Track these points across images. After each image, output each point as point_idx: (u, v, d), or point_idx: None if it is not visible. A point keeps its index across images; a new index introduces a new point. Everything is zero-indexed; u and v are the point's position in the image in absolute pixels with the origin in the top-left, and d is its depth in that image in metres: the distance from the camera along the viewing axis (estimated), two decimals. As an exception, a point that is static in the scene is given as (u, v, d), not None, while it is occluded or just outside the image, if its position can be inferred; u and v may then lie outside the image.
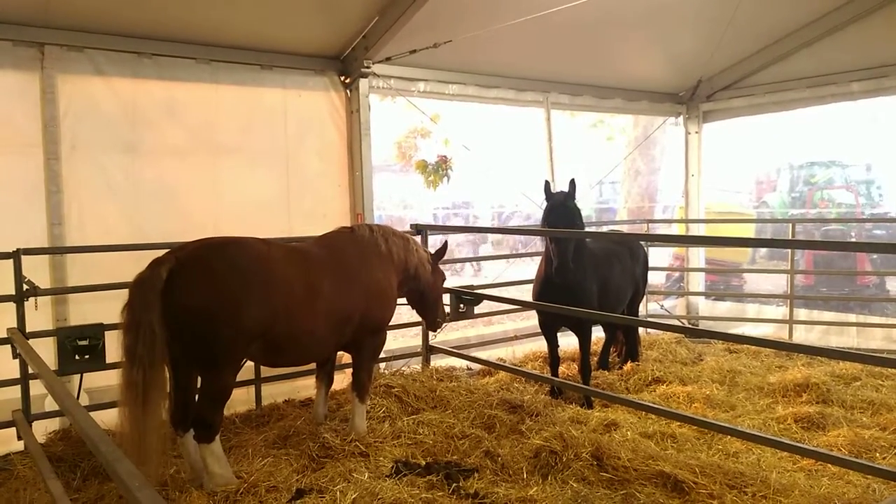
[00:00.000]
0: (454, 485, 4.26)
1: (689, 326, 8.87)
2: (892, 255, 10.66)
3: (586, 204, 11.80)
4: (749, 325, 9.30)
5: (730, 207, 16.64)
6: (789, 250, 8.82)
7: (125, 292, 4.93)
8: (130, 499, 1.78)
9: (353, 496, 3.91)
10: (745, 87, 9.60)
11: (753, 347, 8.03)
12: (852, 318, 9.46)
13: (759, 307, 10.36)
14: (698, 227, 10.59)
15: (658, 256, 11.13)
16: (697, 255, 10.58)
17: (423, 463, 4.63)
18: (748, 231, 15.37)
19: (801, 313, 9.05)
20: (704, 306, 10.50)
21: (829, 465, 4.56)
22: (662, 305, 10.22)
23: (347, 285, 4.83)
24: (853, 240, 14.32)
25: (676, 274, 11.67)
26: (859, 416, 5.70)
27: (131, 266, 4.34)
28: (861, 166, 19.01)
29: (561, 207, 5.90)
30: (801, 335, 8.75)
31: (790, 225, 8.88)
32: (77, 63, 5.77)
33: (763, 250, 17.15)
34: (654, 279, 11.14)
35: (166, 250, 4.26)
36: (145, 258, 4.23)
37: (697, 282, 10.65)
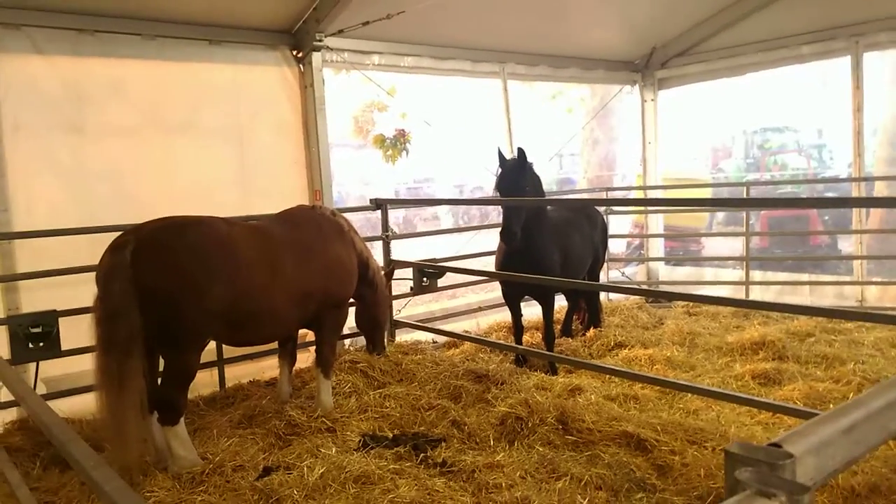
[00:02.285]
0: (422, 455, 4.29)
1: (649, 289, 9.03)
2: (843, 215, 11.00)
3: (547, 176, 11.83)
4: (707, 288, 9.52)
5: (687, 174, 16.91)
6: (744, 214, 9.02)
7: (77, 278, 4.83)
8: (87, 480, 1.73)
9: (321, 471, 3.90)
10: (699, 52, 9.71)
11: (712, 309, 8.25)
12: (805, 277, 9.76)
13: (716, 271, 10.61)
14: (656, 194, 10.76)
15: (618, 224, 11.27)
16: (656, 222, 10.76)
17: (391, 435, 4.65)
18: (705, 197, 15.66)
19: (757, 275, 9.29)
20: (664, 272, 10.72)
21: (785, 417, 4.72)
22: (623, 272, 10.39)
23: (308, 261, 4.78)
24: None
25: (636, 242, 11.85)
26: (813, 371, 5.90)
27: (83, 250, 4.24)
28: (812, 131, 19.48)
29: (510, 173, 5.91)
30: (758, 296, 8.99)
31: (745, 188, 9.06)
32: (15, 41, 5.52)
33: (720, 215, 17.52)
34: (615, 247, 11.31)
35: (119, 233, 4.15)
36: (98, 241, 4.12)
37: (657, 248, 10.85)
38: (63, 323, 4.92)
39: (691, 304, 8.52)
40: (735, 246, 11.85)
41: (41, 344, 4.69)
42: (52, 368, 5.20)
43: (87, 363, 4.95)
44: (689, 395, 5.19)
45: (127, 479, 3.89)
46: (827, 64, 9.10)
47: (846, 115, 8.57)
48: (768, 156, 18.64)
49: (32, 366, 5.03)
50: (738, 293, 9.04)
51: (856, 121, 8.41)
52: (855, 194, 8.55)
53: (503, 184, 5.90)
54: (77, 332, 4.93)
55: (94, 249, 4.12)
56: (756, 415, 4.88)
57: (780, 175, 17.59)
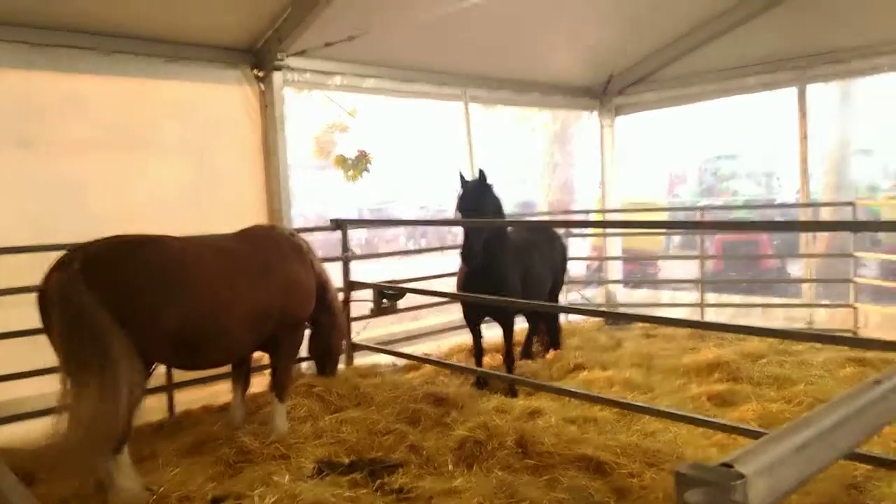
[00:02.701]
0: (378, 481, 4.20)
1: (608, 311, 9.12)
2: (791, 240, 11.34)
3: (509, 199, 11.91)
4: (664, 310, 9.67)
5: (644, 199, 17.26)
6: (698, 238, 9.21)
7: (22, 298, 4.62)
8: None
9: (273, 500, 3.78)
10: (654, 81, 9.98)
11: (669, 331, 8.36)
12: (757, 300, 9.99)
13: (672, 293, 10.79)
14: (613, 218, 10.93)
15: (577, 247, 11.41)
16: (614, 245, 10.92)
17: (347, 461, 4.54)
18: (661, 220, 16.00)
19: (711, 297, 9.48)
20: (622, 294, 10.86)
21: (740, 438, 4.75)
22: (582, 295, 10.48)
23: (265, 280, 4.69)
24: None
25: (595, 264, 12.01)
26: (766, 391, 5.99)
27: (31, 269, 4.05)
28: (762, 158, 20.12)
29: (470, 194, 5.93)
30: (712, 318, 9.17)
31: (699, 213, 9.27)
32: (-39, 53, 5.33)
33: (676, 239, 17.91)
34: (574, 270, 11.42)
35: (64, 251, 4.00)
36: (47, 259, 3.96)
37: (615, 271, 10.99)
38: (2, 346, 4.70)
39: (649, 326, 8.63)
40: (691, 269, 12.09)
41: (-21, 367, 4.45)
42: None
43: (16, 390, 4.77)
44: (647, 416, 5.22)
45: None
46: (775, 94, 9.42)
47: (793, 144, 8.88)
48: (721, 182, 19.20)
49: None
50: (694, 315, 9.21)
51: (802, 149, 8.72)
52: (802, 219, 8.83)
53: (464, 204, 5.91)
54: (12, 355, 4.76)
55: (41, 269, 3.95)
56: (712, 436, 4.93)
57: (733, 200, 18.11)
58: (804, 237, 9.15)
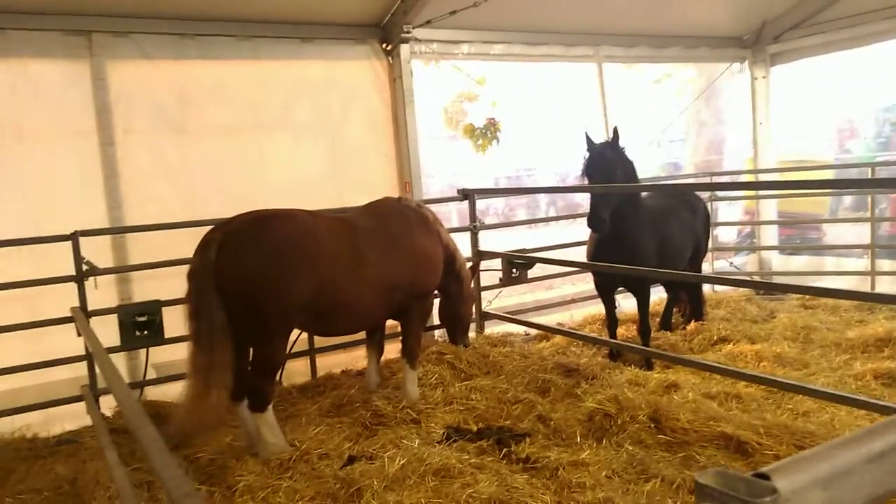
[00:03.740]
0: (505, 450, 4.20)
1: (752, 280, 8.40)
2: None
3: (652, 162, 11.27)
4: (827, 279, 8.76)
5: (807, 156, 15.66)
6: (868, 198, 8.20)
7: (184, 268, 5.10)
8: (150, 464, 1.79)
9: (402, 462, 3.89)
10: (816, 24, 8.91)
11: (832, 302, 7.57)
12: (943, 267, 8.76)
13: (838, 260, 9.74)
14: (768, 179, 10.00)
15: (727, 212, 10.60)
16: (769, 208, 10.01)
17: (475, 428, 4.59)
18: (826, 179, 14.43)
19: (885, 265, 8.43)
20: (778, 261, 9.97)
21: (911, 423, 4.23)
22: (732, 262, 9.76)
23: (393, 252, 4.80)
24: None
25: (747, 229, 11.10)
26: (948, 371, 5.27)
27: (188, 243, 4.46)
28: (956, 104, 17.46)
29: (598, 157, 5.63)
30: (886, 287, 8.17)
31: (870, 169, 8.25)
32: (124, 48, 5.90)
33: (847, 200, 16.13)
34: (724, 236, 10.65)
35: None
36: (200, 234, 4.33)
37: (770, 236, 10.10)
38: (169, 312, 5.22)
39: (808, 296, 7.85)
40: (863, 233, 10.84)
41: (146, 332, 4.99)
42: (161, 355, 5.54)
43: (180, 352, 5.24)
44: (801, 395, 4.77)
45: (220, 461, 4.08)
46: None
47: None
48: (902, 134, 16.92)
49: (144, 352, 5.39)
50: (863, 284, 8.26)
51: None
52: None
53: (588, 170, 5.66)
54: (182, 320, 5.25)
55: (196, 242, 4.32)
56: (877, 419, 4.40)
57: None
58: None
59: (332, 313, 4.50)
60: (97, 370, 4.96)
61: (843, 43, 8.84)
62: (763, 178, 9.92)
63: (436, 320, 6.20)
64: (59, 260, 5.00)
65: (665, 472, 3.81)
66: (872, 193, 8.24)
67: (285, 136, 6.63)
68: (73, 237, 4.86)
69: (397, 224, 5.03)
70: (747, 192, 9.98)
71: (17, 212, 5.44)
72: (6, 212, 5.39)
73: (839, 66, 11.61)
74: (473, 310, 6.42)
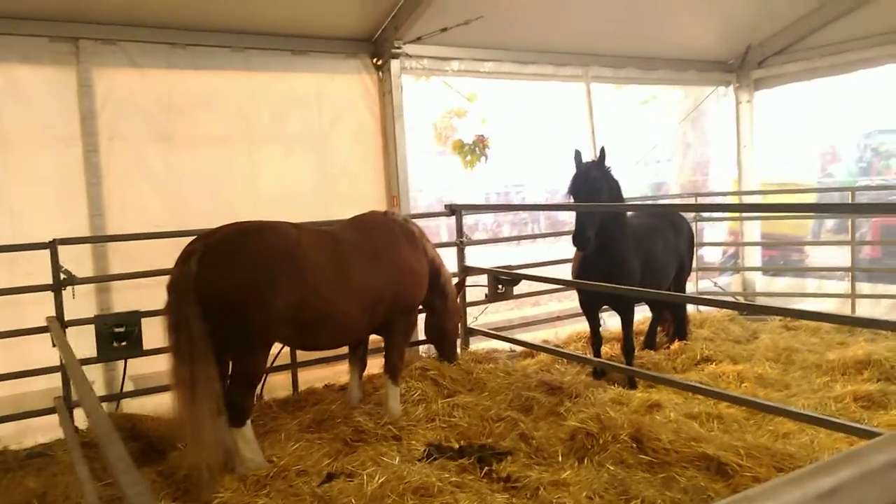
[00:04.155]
0: (486, 468, 4.17)
1: (735, 301, 8.46)
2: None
3: (639, 181, 11.37)
4: (809, 301, 8.84)
5: (790, 179, 15.86)
6: (848, 221, 8.31)
7: (165, 279, 5.04)
8: (117, 482, 1.75)
9: (381, 480, 3.85)
10: (799, 50, 9.07)
11: (813, 324, 7.63)
12: (921, 291, 8.87)
13: (820, 282, 9.84)
14: (751, 200, 10.11)
15: (711, 232, 10.69)
16: (753, 230, 10.11)
17: (457, 446, 4.55)
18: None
19: (865, 287, 8.53)
20: (761, 282, 10.06)
21: (890, 447, 4.25)
22: (716, 283, 9.83)
23: (378, 266, 4.78)
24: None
25: (731, 250, 11.19)
26: (926, 395, 5.32)
27: (172, 253, 4.41)
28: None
29: (583, 176, 5.68)
30: (866, 310, 8.26)
31: (850, 193, 8.37)
32: (112, 56, 5.86)
33: (829, 223, 16.34)
34: (709, 256, 10.73)
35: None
36: (182, 244, 4.28)
37: (753, 257, 10.20)
38: (149, 323, 5.14)
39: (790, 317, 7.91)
40: (844, 256, 10.97)
41: (124, 343, 4.92)
42: (139, 366, 5.45)
43: (159, 364, 5.16)
44: (781, 417, 4.78)
45: (198, 478, 4.00)
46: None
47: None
48: (882, 159, 17.19)
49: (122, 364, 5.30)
50: (843, 307, 8.34)
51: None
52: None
53: (573, 187, 5.71)
54: (161, 331, 5.17)
55: (179, 252, 4.27)
56: (856, 442, 4.42)
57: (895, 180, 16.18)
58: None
59: (315, 326, 4.47)
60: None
61: (826, 70, 9.00)
62: (747, 199, 10.03)
63: (421, 336, 6.17)
64: (40, 268, 4.92)
65: (646, 493, 3.80)
66: (853, 217, 8.35)
67: (274, 148, 6.61)
68: (52, 245, 4.79)
69: (382, 237, 5.02)
70: (731, 213, 10.09)
71: (-3, 218, 5.36)
72: (-14, 218, 5.31)
73: (822, 92, 11.82)
74: (459, 326, 6.39)
